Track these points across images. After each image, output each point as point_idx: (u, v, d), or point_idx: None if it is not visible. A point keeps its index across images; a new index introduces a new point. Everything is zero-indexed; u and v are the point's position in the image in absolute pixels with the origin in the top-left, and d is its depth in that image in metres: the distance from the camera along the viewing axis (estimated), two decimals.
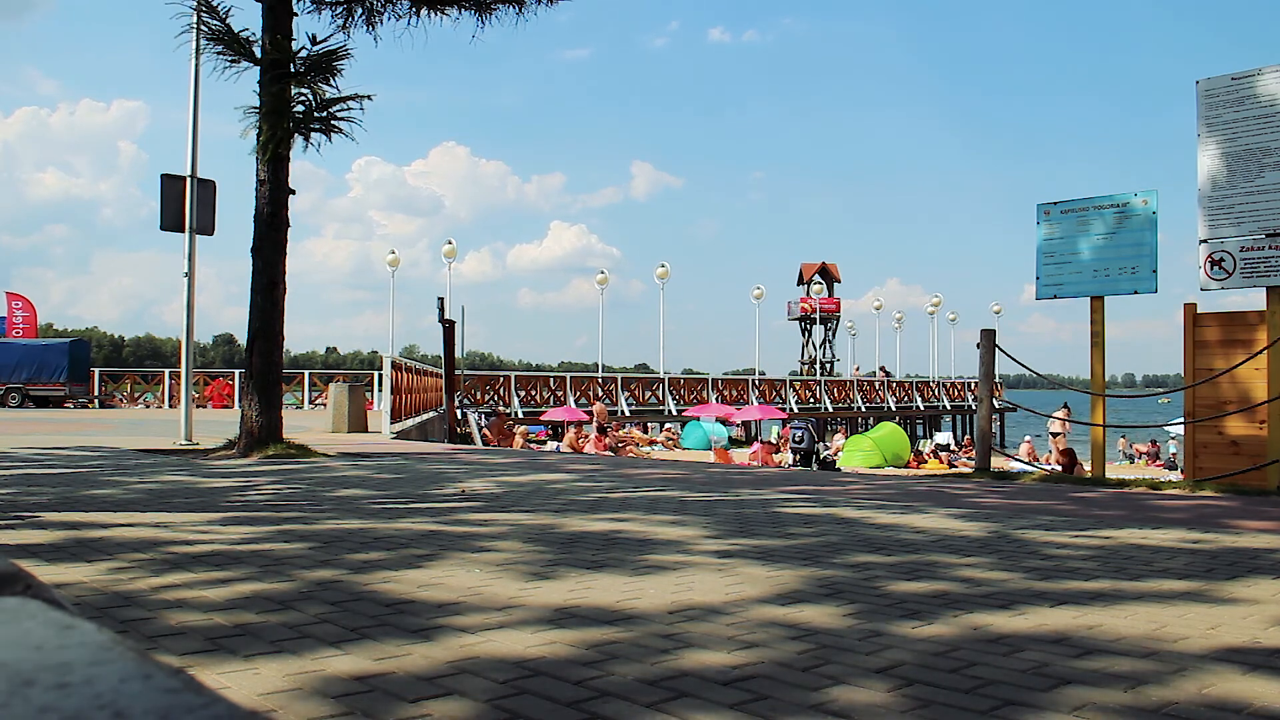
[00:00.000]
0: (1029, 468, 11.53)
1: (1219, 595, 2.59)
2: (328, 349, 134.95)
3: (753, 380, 38.74)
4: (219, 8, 8.43)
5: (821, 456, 20.73)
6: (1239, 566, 3.05)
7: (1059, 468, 15.04)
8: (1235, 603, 2.50)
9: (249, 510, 4.43)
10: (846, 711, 1.61)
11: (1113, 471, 7.72)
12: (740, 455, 22.17)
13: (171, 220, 9.68)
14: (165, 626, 2.18)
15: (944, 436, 31.15)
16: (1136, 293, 7.45)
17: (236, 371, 27.10)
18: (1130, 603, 2.49)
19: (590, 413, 27.07)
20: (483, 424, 20.34)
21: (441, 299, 18.16)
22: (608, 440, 23.43)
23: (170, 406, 25.94)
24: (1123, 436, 29.32)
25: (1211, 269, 7.01)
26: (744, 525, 3.93)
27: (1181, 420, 8.32)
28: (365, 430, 13.72)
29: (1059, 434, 23.49)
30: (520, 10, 9.21)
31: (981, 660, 1.93)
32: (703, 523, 4.00)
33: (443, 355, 17.57)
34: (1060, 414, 19.60)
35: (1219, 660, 1.95)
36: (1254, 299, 7.34)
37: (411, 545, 3.35)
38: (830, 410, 38.16)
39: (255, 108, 8.39)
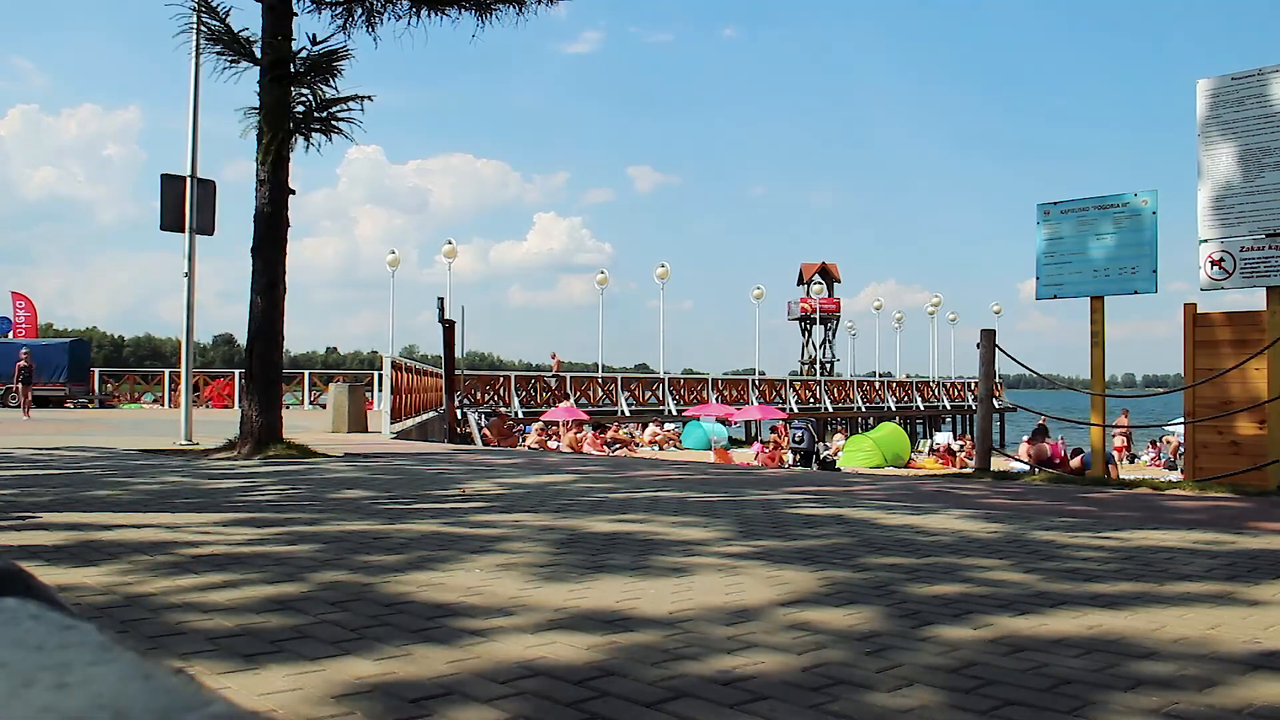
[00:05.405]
0: (1025, 467, 11.50)
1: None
2: (328, 349, 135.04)
3: (753, 380, 38.73)
4: (219, 8, 8.44)
5: (821, 456, 20.72)
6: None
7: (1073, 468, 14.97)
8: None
9: (252, 511, 4.43)
10: (848, 712, 1.61)
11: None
12: (741, 455, 22.16)
13: (171, 220, 9.68)
14: (168, 628, 2.17)
15: (944, 436, 31.13)
16: (1136, 293, 7.45)
17: (236, 371, 27.09)
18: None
19: (589, 413, 27.11)
20: (483, 424, 20.35)
21: (441, 299, 18.18)
22: (605, 438, 23.45)
23: (170, 406, 25.94)
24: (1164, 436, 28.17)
25: (1212, 269, 7.01)
26: (747, 526, 3.93)
27: (1181, 420, 8.32)
28: (365, 430, 13.72)
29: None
30: (520, 10, 9.22)
31: (990, 662, 1.93)
32: (704, 523, 4.00)
33: (443, 355, 17.58)
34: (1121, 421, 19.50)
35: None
36: (1254, 299, 7.35)
37: (414, 546, 3.35)
38: (830, 410, 38.15)
39: (255, 108, 8.40)
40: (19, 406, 20.57)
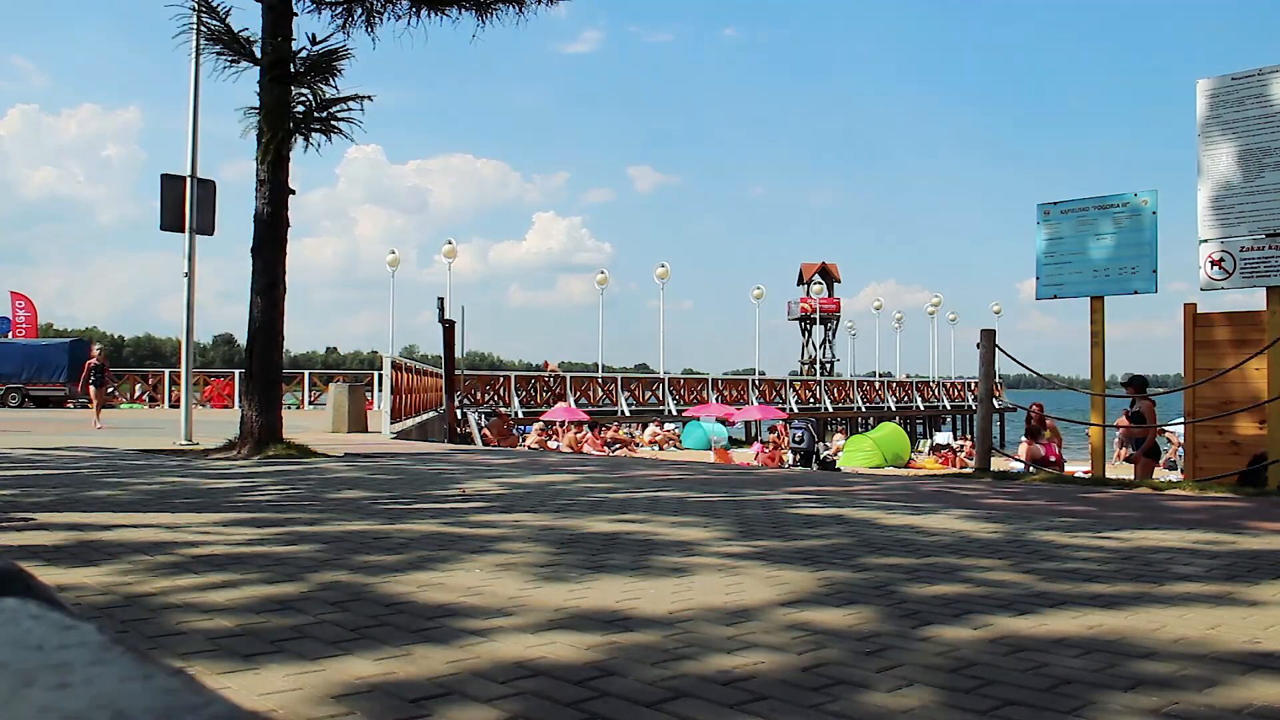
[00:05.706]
0: (1022, 467, 11.50)
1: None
2: (328, 349, 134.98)
3: (753, 380, 38.73)
4: (219, 8, 8.44)
5: (821, 457, 20.72)
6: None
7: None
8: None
9: (252, 511, 4.43)
10: (848, 712, 1.61)
11: (1111, 470, 7.73)
12: (741, 455, 22.17)
13: (172, 220, 9.69)
14: (168, 628, 2.18)
15: (944, 436, 31.14)
16: (1136, 293, 7.45)
17: (236, 371, 27.10)
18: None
19: (590, 413, 27.11)
20: (483, 424, 20.35)
21: (441, 299, 18.19)
22: (605, 438, 23.45)
23: (170, 406, 25.95)
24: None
25: (1212, 269, 7.01)
26: (746, 526, 3.93)
27: (1181, 420, 8.32)
28: (365, 430, 13.72)
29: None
30: (520, 10, 9.22)
31: (990, 662, 1.93)
32: (704, 523, 4.00)
33: (443, 355, 17.59)
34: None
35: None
36: (1254, 299, 7.35)
37: (414, 546, 3.35)
38: (830, 410, 38.17)
39: (255, 108, 8.40)
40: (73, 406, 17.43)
